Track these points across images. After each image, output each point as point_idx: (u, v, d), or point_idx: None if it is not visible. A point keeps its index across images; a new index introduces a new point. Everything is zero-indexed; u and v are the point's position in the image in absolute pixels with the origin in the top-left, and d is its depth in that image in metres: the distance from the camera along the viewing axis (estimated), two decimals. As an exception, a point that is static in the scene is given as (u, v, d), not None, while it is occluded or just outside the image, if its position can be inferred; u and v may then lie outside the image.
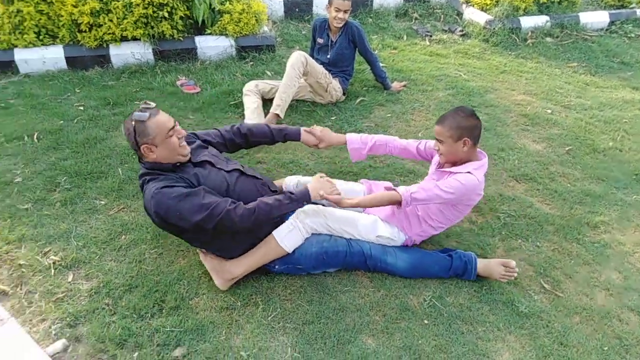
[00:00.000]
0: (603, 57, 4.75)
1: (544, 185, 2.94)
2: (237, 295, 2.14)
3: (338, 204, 2.19)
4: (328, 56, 3.72)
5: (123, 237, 2.45)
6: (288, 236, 2.14)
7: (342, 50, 3.69)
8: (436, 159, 2.32)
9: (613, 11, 5.42)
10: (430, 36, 5.07)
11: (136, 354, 1.88)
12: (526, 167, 3.09)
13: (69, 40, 4.05)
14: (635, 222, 2.71)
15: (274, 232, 2.15)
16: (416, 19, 5.48)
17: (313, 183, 2.19)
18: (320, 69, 3.53)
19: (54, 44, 4.05)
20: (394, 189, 2.16)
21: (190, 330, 1.98)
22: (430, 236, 2.40)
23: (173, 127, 2.01)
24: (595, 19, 5.28)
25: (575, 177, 3.03)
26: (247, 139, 2.46)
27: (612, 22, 5.32)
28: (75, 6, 3.84)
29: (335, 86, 3.66)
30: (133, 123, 1.95)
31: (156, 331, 1.97)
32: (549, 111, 3.74)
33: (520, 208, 2.74)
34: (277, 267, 2.21)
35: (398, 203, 2.12)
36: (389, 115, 3.62)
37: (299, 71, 3.40)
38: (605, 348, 2.00)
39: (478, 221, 2.64)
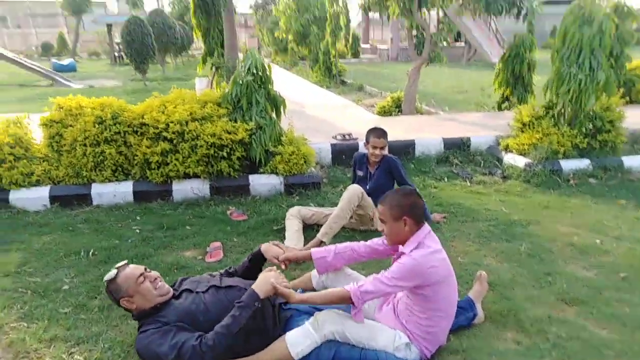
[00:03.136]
0: (653, 196, 4.61)
1: (597, 309, 2.68)
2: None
3: (287, 298, 2.16)
4: (367, 187, 3.93)
5: (150, 341, 2.44)
6: (299, 342, 2.07)
7: (380, 180, 3.91)
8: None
9: (658, 156, 5.44)
10: (471, 178, 5.25)
11: None
12: (576, 291, 2.87)
13: (139, 177, 4.60)
14: None
15: (287, 335, 2.09)
16: (457, 164, 5.75)
17: (258, 280, 2.19)
18: (371, 202, 3.71)
19: (125, 179, 4.61)
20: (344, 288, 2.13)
21: None
22: (437, 332, 2.22)
23: (142, 274, 2.18)
24: (639, 162, 5.30)
25: (635, 303, 2.75)
26: (235, 273, 2.62)
27: (657, 166, 5.29)
28: (148, 147, 4.46)
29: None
30: (105, 284, 2.16)
31: None
32: (598, 241, 3.58)
33: (572, 330, 2.48)
34: None
35: (349, 300, 2.07)
36: (428, 242, 3.60)
37: (353, 204, 3.60)
38: None
39: (523, 341, 2.41)
